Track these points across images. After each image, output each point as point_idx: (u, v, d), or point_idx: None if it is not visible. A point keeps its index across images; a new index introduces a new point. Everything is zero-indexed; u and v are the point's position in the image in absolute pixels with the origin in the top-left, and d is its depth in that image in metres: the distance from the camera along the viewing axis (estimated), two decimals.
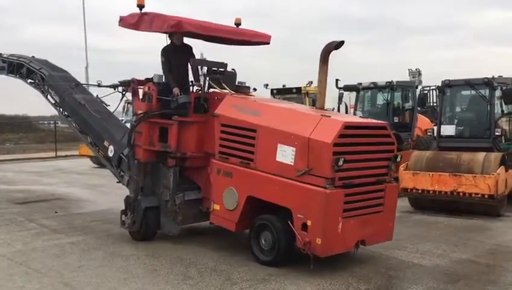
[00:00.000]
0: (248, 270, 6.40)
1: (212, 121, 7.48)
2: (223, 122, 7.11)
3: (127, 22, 7.99)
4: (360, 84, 14.25)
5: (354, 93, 14.75)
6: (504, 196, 10.36)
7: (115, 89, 9.92)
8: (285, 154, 6.23)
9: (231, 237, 7.90)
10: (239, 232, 7.27)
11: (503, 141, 11.22)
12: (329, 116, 6.27)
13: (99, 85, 9.85)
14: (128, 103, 22.92)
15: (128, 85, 8.32)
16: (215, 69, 7.69)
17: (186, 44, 8.15)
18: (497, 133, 10.92)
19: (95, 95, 10.73)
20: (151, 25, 7.60)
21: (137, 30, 7.98)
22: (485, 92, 10.99)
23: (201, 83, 7.66)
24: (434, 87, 13.12)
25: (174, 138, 7.56)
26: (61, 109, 10.66)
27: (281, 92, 16.33)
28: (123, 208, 8.08)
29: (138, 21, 7.78)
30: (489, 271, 6.65)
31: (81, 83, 10.12)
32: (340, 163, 5.80)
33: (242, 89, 8.04)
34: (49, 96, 11.04)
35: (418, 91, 15.33)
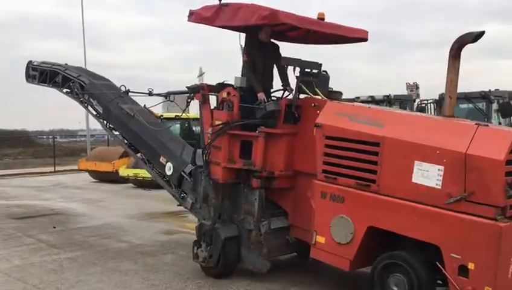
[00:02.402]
0: (248, 285, 6.14)
1: (304, 133, 6.02)
2: (328, 134, 5.59)
3: (199, 16, 6.51)
4: (358, 97, 13.35)
5: None
6: None
7: (166, 98, 8.48)
8: (427, 175, 4.71)
9: None
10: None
11: None
12: (487, 126, 4.74)
13: (150, 94, 8.41)
14: None
15: (197, 91, 6.83)
16: (309, 70, 6.21)
17: (272, 41, 6.67)
18: None
19: (142, 105, 9.40)
20: (234, 18, 6.11)
21: (211, 25, 6.51)
22: (482, 105, 10.84)
23: (293, 86, 6.19)
24: (432, 101, 12.94)
25: (260, 154, 6.05)
26: (105, 121, 9.16)
27: None
28: (195, 238, 6.55)
29: (215, 14, 6.30)
30: None
31: (130, 90, 8.56)
32: None
33: (334, 95, 6.55)
34: (89, 107, 9.57)
35: (415, 104, 14.84)
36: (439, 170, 4.63)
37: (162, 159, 7.78)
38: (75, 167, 21.49)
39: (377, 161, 5.12)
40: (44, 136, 47.02)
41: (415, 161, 4.80)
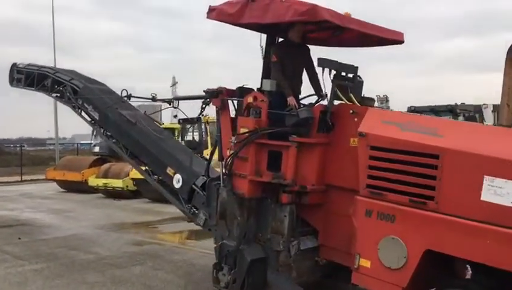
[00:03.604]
0: None
1: (339, 143, 5.39)
2: (374, 145, 4.93)
3: (222, 13, 5.79)
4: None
5: None
6: None
7: (170, 104, 7.75)
8: (501, 192, 4.08)
9: (203, 264, 7.56)
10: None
11: None
12: None
13: (153, 98, 7.67)
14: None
15: (216, 96, 6.10)
16: (344, 74, 5.56)
17: (302, 43, 6.00)
18: None
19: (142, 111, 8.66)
20: (264, 14, 5.40)
21: (236, 23, 5.80)
22: (449, 118, 11.08)
23: (326, 91, 5.53)
24: None
25: (291, 166, 5.36)
26: (101, 129, 8.34)
27: None
28: (215, 261, 5.78)
29: (241, 10, 5.59)
30: None
31: (132, 95, 7.77)
32: None
33: (367, 102, 5.91)
34: (83, 113, 8.73)
35: None
36: None
37: (169, 171, 7.04)
38: (43, 177, 21.11)
39: (435, 175, 4.47)
40: (12, 144, 45.91)
41: (485, 176, 4.16)
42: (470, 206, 4.24)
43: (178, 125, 17.42)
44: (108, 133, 8.16)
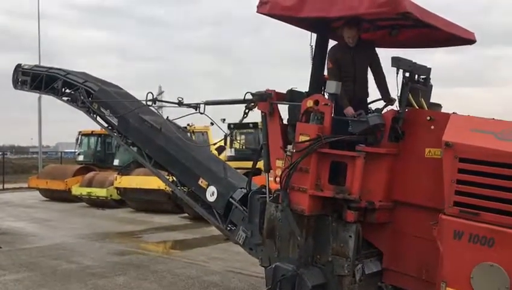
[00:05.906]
0: None
1: (410, 153, 4.68)
2: (464, 156, 4.18)
3: (277, 6, 4.99)
4: None
5: None
6: None
7: (196, 110, 6.95)
8: None
9: (186, 274, 7.51)
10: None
11: None
12: None
13: (180, 103, 6.87)
14: (82, 135, 20.45)
15: (264, 100, 5.33)
16: (417, 76, 4.83)
17: (365, 41, 5.23)
18: None
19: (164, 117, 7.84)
20: (332, 6, 4.63)
21: (292, 16, 5.01)
22: None
23: (397, 94, 4.78)
24: None
25: (358, 179, 4.60)
26: (121, 136, 7.49)
27: (238, 127, 15.52)
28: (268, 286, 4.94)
29: (301, 2, 4.82)
30: None
31: (157, 99, 6.96)
32: None
33: (434, 107, 5.21)
34: (99, 118, 7.89)
35: None
36: None
37: (202, 182, 6.23)
38: (26, 185, 20.73)
39: None
40: None
41: None
42: None
43: None
44: (129, 141, 7.32)
